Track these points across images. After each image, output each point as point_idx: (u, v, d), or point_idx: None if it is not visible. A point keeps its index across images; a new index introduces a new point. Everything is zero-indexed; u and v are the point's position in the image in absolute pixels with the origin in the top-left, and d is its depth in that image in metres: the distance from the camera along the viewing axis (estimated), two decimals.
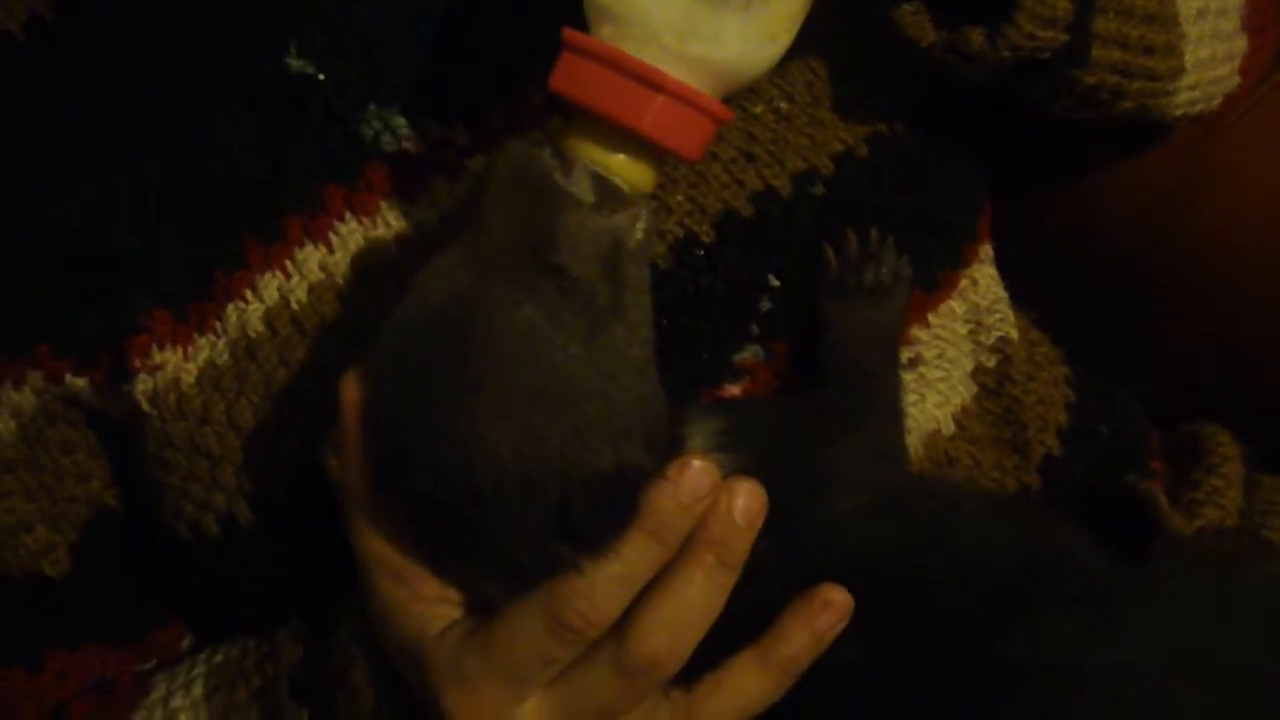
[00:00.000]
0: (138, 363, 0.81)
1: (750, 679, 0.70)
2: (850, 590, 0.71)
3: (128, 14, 0.83)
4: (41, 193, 0.82)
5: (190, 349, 0.81)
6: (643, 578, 0.67)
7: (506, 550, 0.68)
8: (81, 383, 0.83)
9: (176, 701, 0.82)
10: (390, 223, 0.82)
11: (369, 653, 0.75)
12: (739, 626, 0.70)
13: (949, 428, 0.89)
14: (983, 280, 0.93)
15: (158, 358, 0.81)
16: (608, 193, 0.70)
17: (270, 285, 0.81)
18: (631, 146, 0.70)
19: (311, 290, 0.81)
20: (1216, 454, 0.95)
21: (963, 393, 0.90)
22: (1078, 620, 0.76)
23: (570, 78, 0.69)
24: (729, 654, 0.70)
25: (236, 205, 0.81)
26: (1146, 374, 1.00)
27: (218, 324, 0.81)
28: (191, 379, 0.81)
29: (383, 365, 0.70)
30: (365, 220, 0.82)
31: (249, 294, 0.81)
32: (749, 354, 0.83)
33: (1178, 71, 0.89)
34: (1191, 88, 0.92)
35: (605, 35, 0.69)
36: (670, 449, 0.70)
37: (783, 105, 0.86)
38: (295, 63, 0.82)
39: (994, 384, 0.91)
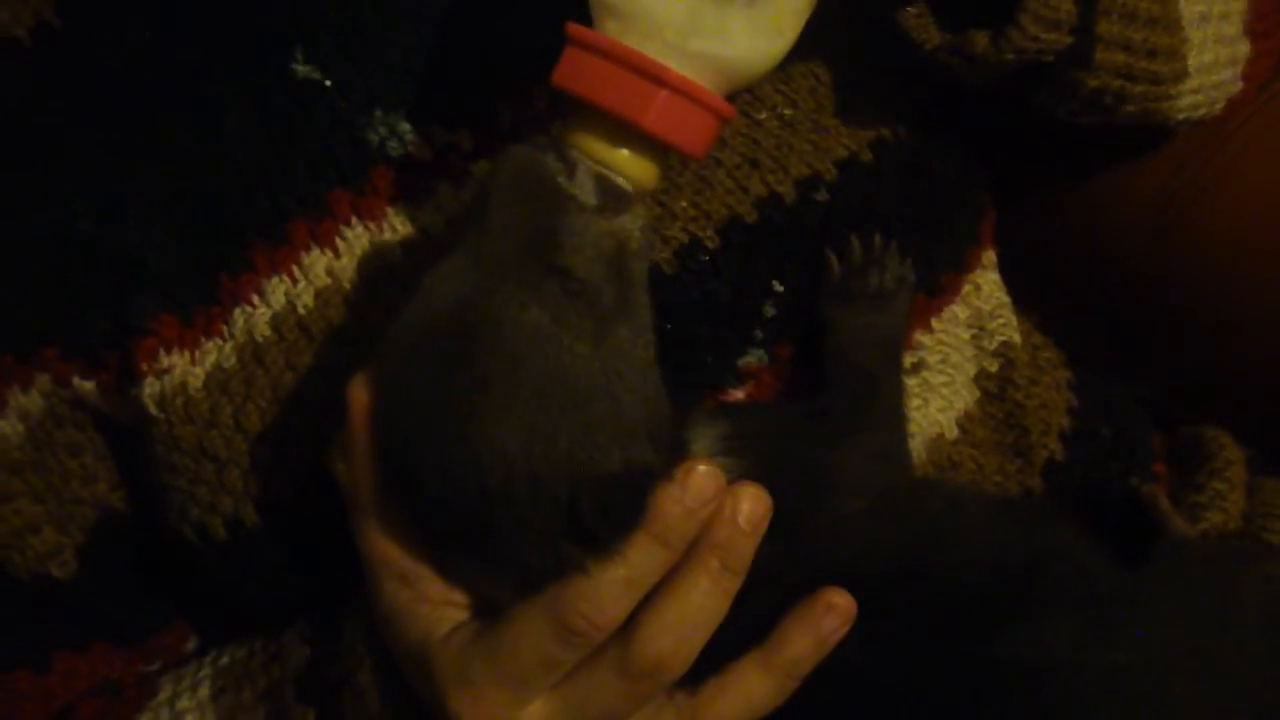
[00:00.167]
0: (145, 366, 0.82)
1: (754, 682, 0.70)
2: (853, 593, 0.71)
3: (134, 20, 0.83)
4: (49, 197, 0.82)
5: (197, 353, 0.82)
6: (648, 582, 0.67)
7: (513, 551, 0.68)
8: (89, 386, 0.83)
9: (183, 703, 0.82)
10: (396, 227, 0.82)
11: (375, 655, 0.75)
12: (743, 630, 0.70)
13: (952, 432, 0.89)
14: (986, 285, 0.93)
15: (165, 361, 0.82)
16: (611, 195, 0.70)
17: (277, 290, 0.81)
18: (635, 142, 0.69)
19: (318, 295, 0.81)
20: (1219, 457, 0.96)
21: (966, 397, 0.90)
22: (1079, 623, 0.76)
23: (574, 73, 0.69)
24: (733, 657, 0.70)
25: (243, 210, 0.82)
26: (1149, 377, 1.01)
27: (225, 328, 0.82)
28: (199, 383, 0.82)
29: (390, 368, 0.70)
30: (371, 225, 0.82)
31: (256, 298, 0.81)
32: (753, 358, 0.84)
33: (1181, 75, 0.89)
34: (1194, 91, 0.92)
35: (610, 31, 0.69)
36: (674, 453, 0.71)
37: (787, 111, 0.86)
38: (301, 69, 0.82)
39: (997, 388, 0.91)
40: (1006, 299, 0.94)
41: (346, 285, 0.81)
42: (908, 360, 0.87)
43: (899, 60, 0.84)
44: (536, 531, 0.67)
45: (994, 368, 0.92)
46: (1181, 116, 0.93)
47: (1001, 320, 0.93)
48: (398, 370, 0.69)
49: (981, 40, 0.80)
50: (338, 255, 0.82)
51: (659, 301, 0.72)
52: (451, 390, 0.67)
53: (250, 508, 0.82)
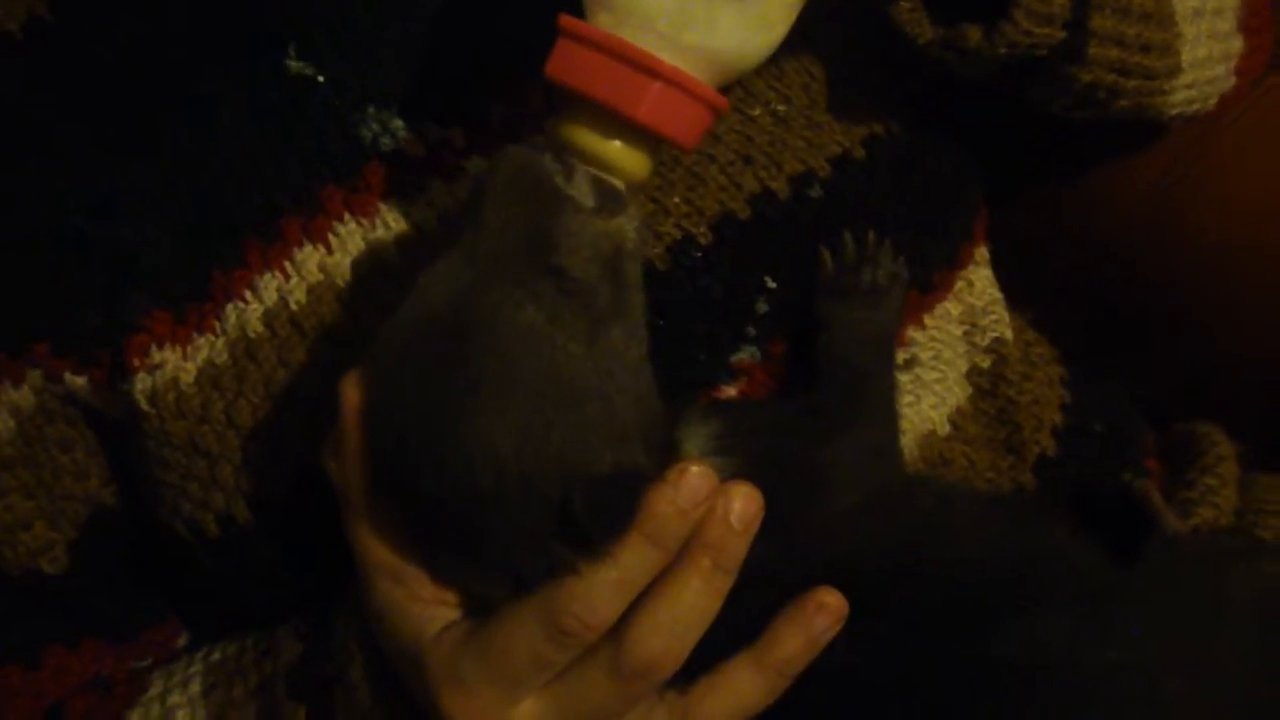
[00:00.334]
0: (137, 362, 0.82)
1: (745, 681, 0.70)
2: (845, 591, 0.71)
3: (127, 14, 0.83)
4: (41, 192, 0.82)
5: (189, 348, 0.82)
6: (640, 582, 0.67)
7: (505, 551, 0.68)
8: (80, 381, 0.83)
9: (174, 698, 0.82)
10: (389, 224, 0.82)
11: (367, 652, 0.75)
12: (735, 629, 0.70)
13: (944, 429, 0.89)
14: (978, 282, 0.93)
15: (157, 357, 0.82)
16: (607, 196, 0.70)
17: (269, 285, 0.81)
18: (628, 134, 0.70)
19: (310, 291, 0.81)
20: (1211, 453, 0.96)
21: (958, 394, 0.90)
22: (1072, 620, 0.76)
23: (566, 64, 0.69)
24: (724, 656, 0.70)
25: (235, 205, 0.81)
26: (1141, 373, 1.01)
27: (217, 324, 0.81)
28: (190, 378, 0.82)
29: (383, 367, 0.70)
30: (364, 221, 0.82)
31: (248, 294, 0.81)
32: (746, 355, 0.83)
33: (1174, 70, 0.89)
34: (1188, 87, 0.92)
35: (602, 23, 0.69)
36: (666, 453, 0.71)
37: (780, 108, 0.86)
38: (294, 65, 0.82)
39: (989, 385, 0.91)
40: (999, 295, 0.94)
41: (339, 281, 0.81)
42: (900, 357, 0.87)
43: (892, 56, 0.84)
44: (528, 532, 0.67)
45: (986, 364, 0.92)
46: (1175, 112, 0.93)
47: (994, 317, 0.93)
48: (391, 369, 0.69)
49: (974, 35, 0.80)
50: (330, 251, 0.82)
51: (651, 298, 0.72)
52: (444, 389, 0.67)
53: (242, 504, 0.82)
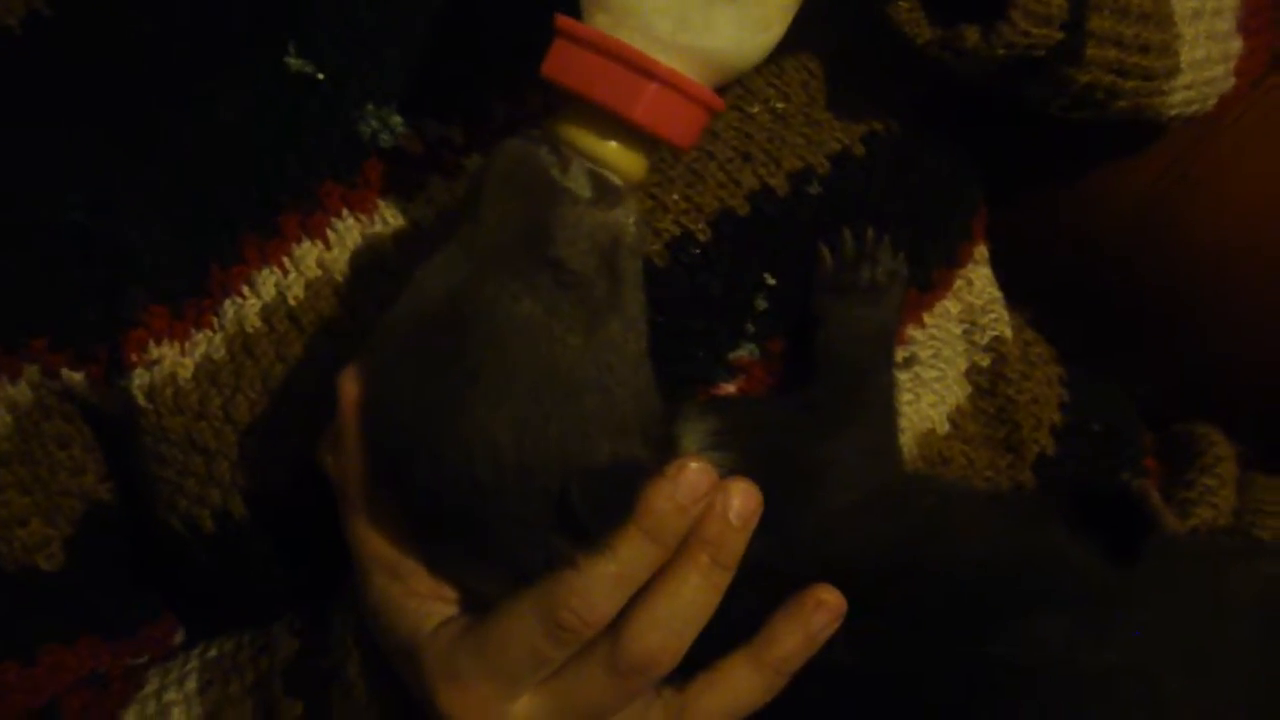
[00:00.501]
0: (134, 357, 0.82)
1: (742, 679, 0.70)
2: (843, 589, 0.71)
3: (126, 10, 0.83)
4: (39, 188, 0.82)
5: (187, 344, 0.82)
6: (639, 578, 0.67)
7: (503, 545, 0.68)
8: (78, 377, 0.83)
9: (170, 695, 0.81)
10: (387, 220, 0.82)
11: (363, 648, 0.75)
12: (733, 625, 0.70)
13: (943, 427, 0.89)
14: (978, 280, 0.93)
15: (154, 352, 0.81)
16: (604, 188, 0.70)
17: (268, 281, 0.81)
18: (624, 134, 0.70)
19: (309, 286, 0.81)
20: (1210, 453, 0.96)
21: (957, 392, 0.90)
22: (1070, 619, 0.76)
23: (563, 65, 0.69)
24: (722, 653, 0.70)
25: (234, 201, 0.81)
26: (1140, 373, 1.00)
27: (215, 319, 0.81)
28: (188, 374, 0.81)
29: (381, 361, 0.70)
30: (363, 217, 0.82)
31: (246, 290, 0.81)
32: (744, 352, 0.83)
33: (1173, 71, 0.89)
34: (1187, 88, 0.92)
35: (599, 23, 0.69)
36: (665, 448, 0.71)
37: (779, 105, 0.86)
38: (294, 62, 0.82)
39: (988, 383, 0.91)
40: (998, 294, 0.94)
41: (337, 277, 0.81)
42: (899, 355, 0.87)
43: (891, 55, 0.84)
44: (526, 524, 0.67)
45: (985, 363, 0.92)
46: (1174, 113, 0.93)
47: (993, 315, 0.93)
48: (388, 363, 0.69)
49: (972, 35, 0.80)
50: (329, 247, 0.82)
51: (650, 294, 0.72)
52: (442, 382, 0.67)
53: (239, 500, 0.82)
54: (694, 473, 0.67)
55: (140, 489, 0.85)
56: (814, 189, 0.85)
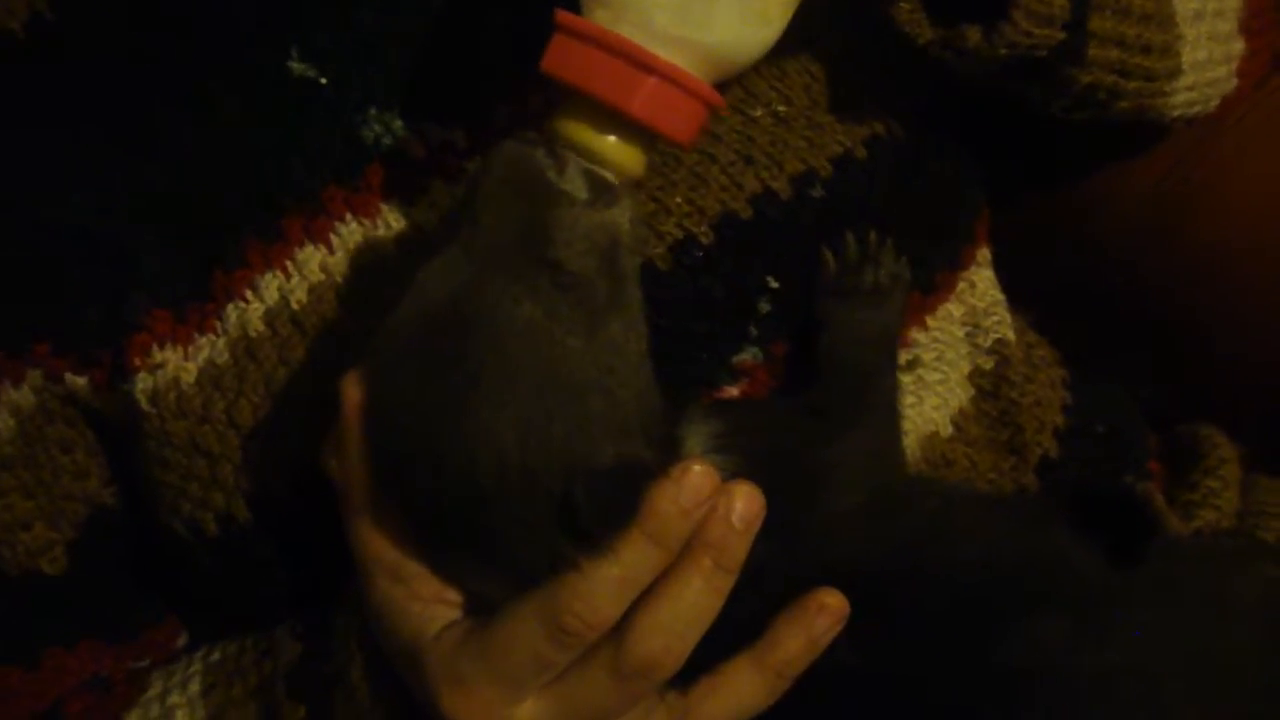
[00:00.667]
0: (137, 361, 0.82)
1: (745, 682, 0.70)
2: (846, 592, 0.71)
3: (129, 15, 0.83)
4: (42, 191, 0.82)
5: (190, 348, 0.82)
6: (642, 581, 0.67)
7: (507, 548, 0.68)
8: (81, 381, 0.83)
9: (173, 698, 0.81)
10: (390, 224, 0.82)
11: (366, 651, 0.75)
12: (736, 628, 0.70)
13: (946, 430, 0.89)
14: (980, 283, 0.93)
15: (158, 357, 0.82)
16: (601, 189, 0.70)
17: (271, 285, 0.81)
18: (622, 129, 0.70)
19: (312, 290, 0.81)
20: (1213, 456, 0.96)
21: (960, 395, 0.90)
22: (1073, 623, 0.76)
23: (562, 59, 0.69)
24: (725, 656, 0.70)
25: (237, 205, 0.82)
26: (1143, 375, 1.00)
27: (218, 323, 0.81)
28: (191, 378, 0.81)
29: (383, 364, 0.70)
30: (365, 221, 0.82)
31: (249, 294, 0.81)
32: (747, 356, 0.83)
33: (1175, 72, 0.89)
34: (1189, 89, 0.92)
35: (598, 18, 0.69)
36: (667, 450, 0.71)
37: (781, 108, 0.86)
38: (297, 66, 0.82)
39: (991, 386, 0.91)
40: (1001, 296, 0.94)
41: (340, 281, 0.81)
42: (902, 357, 0.87)
43: (893, 56, 0.84)
44: (530, 527, 0.67)
45: (988, 365, 0.92)
46: (1176, 114, 0.93)
47: (996, 318, 0.92)
48: (391, 366, 0.69)
49: (974, 35, 0.80)
50: (332, 251, 0.82)
51: (653, 298, 0.72)
52: (445, 385, 0.67)
53: (242, 504, 0.82)
54: (697, 475, 0.67)
55: (143, 493, 0.85)
56: (816, 192, 0.85)
